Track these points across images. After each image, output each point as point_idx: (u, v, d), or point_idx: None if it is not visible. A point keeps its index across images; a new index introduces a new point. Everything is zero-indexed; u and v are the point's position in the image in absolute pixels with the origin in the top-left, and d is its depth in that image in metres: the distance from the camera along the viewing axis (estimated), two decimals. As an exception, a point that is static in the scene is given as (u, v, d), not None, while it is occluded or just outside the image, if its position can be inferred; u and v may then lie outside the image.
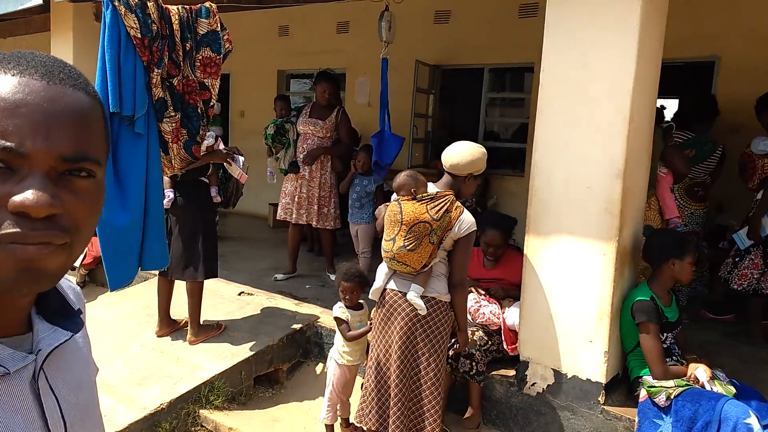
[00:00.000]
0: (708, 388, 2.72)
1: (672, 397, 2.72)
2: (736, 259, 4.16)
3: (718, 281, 4.34)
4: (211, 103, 3.60)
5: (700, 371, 2.78)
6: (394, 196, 2.91)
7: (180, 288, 4.04)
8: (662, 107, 5.38)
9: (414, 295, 2.74)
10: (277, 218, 5.42)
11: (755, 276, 4.07)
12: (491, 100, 7.35)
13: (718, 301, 4.57)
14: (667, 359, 2.93)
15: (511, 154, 6.98)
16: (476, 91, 6.81)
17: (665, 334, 2.97)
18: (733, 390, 2.76)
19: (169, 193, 3.79)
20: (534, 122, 3.16)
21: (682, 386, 2.75)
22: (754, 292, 4.10)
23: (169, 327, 4.10)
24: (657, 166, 3.61)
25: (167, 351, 3.92)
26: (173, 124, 3.43)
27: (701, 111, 4.41)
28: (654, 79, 3.08)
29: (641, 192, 3.16)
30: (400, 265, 2.75)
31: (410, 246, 2.69)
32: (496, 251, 3.52)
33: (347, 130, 5.20)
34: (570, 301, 3.06)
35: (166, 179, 3.69)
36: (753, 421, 2.48)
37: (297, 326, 4.13)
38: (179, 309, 4.18)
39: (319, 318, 4.25)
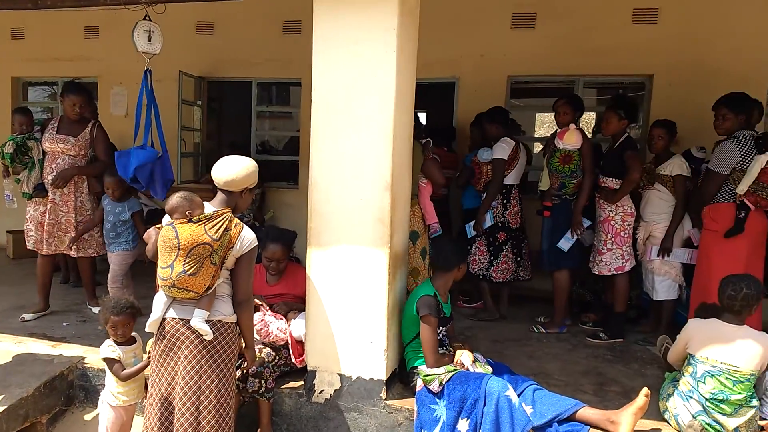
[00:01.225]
0: (472, 370, 3.10)
1: (444, 382, 3.05)
2: (468, 248, 4.86)
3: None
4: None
5: (464, 356, 3.16)
6: (166, 218, 2.75)
7: None
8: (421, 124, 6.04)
9: (199, 321, 2.62)
10: (28, 248, 4.69)
11: (484, 262, 4.84)
12: (262, 113, 7.36)
13: (470, 291, 5.25)
14: (440, 349, 3.26)
15: (285, 167, 7.07)
16: (246, 103, 6.76)
17: (441, 327, 3.31)
18: (490, 369, 3.20)
19: None
20: (306, 136, 3.27)
21: (451, 371, 3.09)
22: (483, 278, 4.87)
23: None
24: (418, 178, 4.00)
25: None
26: None
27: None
28: (411, 98, 3.41)
29: (406, 201, 3.47)
30: (181, 292, 2.60)
31: (191, 270, 2.57)
32: (278, 265, 3.55)
33: (104, 147, 4.69)
34: (351, 308, 3.22)
35: None
36: (511, 393, 2.91)
37: (56, 371, 3.63)
38: None
39: (84, 358, 3.80)
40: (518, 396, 2.99)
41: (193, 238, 2.57)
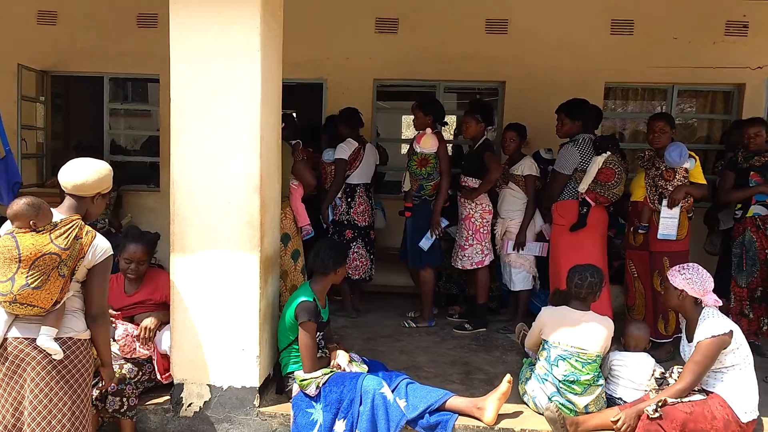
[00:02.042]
0: (348, 370, 3.13)
1: (320, 385, 3.04)
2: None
3: None
4: None
5: (340, 358, 3.18)
6: (5, 227, 2.46)
7: None
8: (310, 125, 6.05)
9: (46, 339, 2.37)
10: None
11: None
12: (115, 110, 6.85)
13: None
14: (317, 353, 3.22)
15: (144, 168, 6.64)
16: (98, 100, 6.25)
17: (318, 332, 3.28)
18: (366, 367, 3.24)
19: None
20: (166, 135, 3.10)
21: (328, 373, 3.09)
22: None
23: None
24: (289, 179, 3.95)
25: None
26: None
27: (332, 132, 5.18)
28: (278, 98, 3.37)
29: (276, 203, 3.41)
30: (24, 308, 2.34)
31: (35, 283, 2.31)
32: (138, 267, 3.28)
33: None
34: (220, 315, 3.11)
35: None
36: (386, 390, 2.98)
37: None
38: None
39: None
40: (392, 391, 3.06)
41: (36, 248, 2.32)
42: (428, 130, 4.57)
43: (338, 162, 4.90)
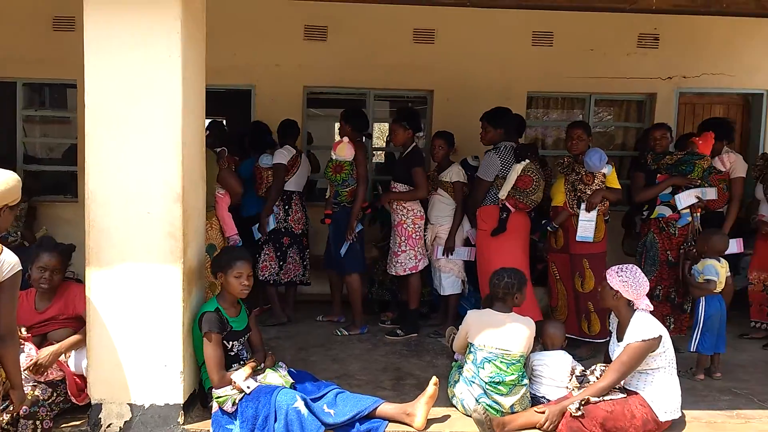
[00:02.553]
0: (244, 388, 2.98)
1: (237, 401, 2.97)
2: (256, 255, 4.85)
3: None
4: None
5: (236, 374, 3.03)
6: None
7: None
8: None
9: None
10: None
11: (274, 267, 4.90)
12: (31, 117, 6.49)
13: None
14: (235, 364, 3.16)
15: (61, 178, 6.32)
16: (10, 107, 5.91)
17: (232, 342, 3.20)
18: (291, 380, 3.18)
19: None
20: (84, 143, 2.97)
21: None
22: (274, 283, 4.95)
23: None
24: (214, 188, 3.87)
25: None
26: None
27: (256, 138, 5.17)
28: (201, 105, 3.29)
29: (200, 213, 3.33)
30: None
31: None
32: (52, 277, 3.10)
33: None
34: (141, 330, 3.00)
35: None
36: (299, 404, 2.93)
37: None
38: None
39: None
40: (321, 399, 3.05)
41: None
42: (345, 139, 4.65)
43: (277, 167, 4.84)
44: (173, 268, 2.97)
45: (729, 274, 4.08)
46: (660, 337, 3.03)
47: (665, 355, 3.08)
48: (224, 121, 9.91)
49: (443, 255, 4.70)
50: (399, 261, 4.69)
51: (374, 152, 6.42)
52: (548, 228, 4.34)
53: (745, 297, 4.87)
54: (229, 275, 3.15)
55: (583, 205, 4.17)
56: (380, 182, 5.70)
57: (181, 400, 3.06)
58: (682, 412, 3.21)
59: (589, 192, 4.17)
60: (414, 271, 4.69)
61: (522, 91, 5.87)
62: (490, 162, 4.36)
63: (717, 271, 3.94)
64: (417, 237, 4.70)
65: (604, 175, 4.22)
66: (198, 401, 3.27)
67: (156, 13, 2.86)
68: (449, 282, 4.78)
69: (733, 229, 4.74)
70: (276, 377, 3.15)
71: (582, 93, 6.05)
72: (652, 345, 3.01)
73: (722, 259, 4.05)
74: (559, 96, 6.20)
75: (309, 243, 5.17)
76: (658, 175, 4.46)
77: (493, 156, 4.37)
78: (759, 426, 3.26)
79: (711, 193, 4.42)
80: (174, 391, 3.05)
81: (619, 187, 4.32)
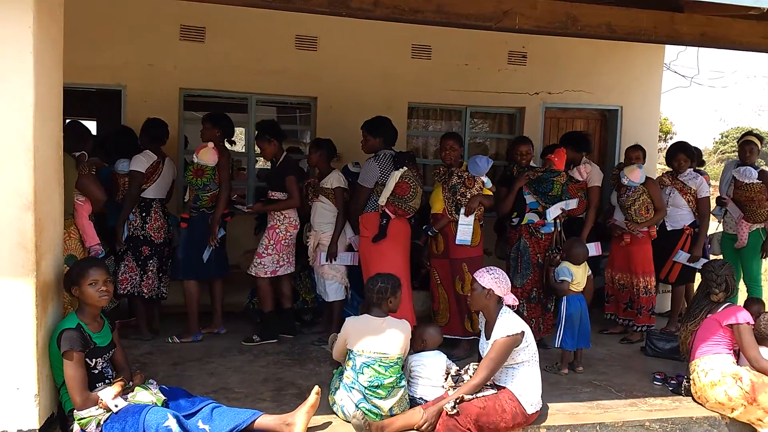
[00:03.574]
0: (112, 407, 2.82)
1: (102, 422, 2.78)
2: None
3: None
4: None
5: (103, 392, 2.86)
6: None
7: None
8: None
9: None
10: None
11: (135, 278, 4.66)
12: None
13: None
14: (100, 384, 2.96)
15: None
16: None
17: (95, 360, 2.98)
18: (163, 397, 3.02)
19: None
20: None
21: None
22: (137, 295, 4.68)
23: None
24: (73, 195, 3.59)
25: None
26: None
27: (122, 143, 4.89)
28: (58, 106, 3.04)
29: (57, 222, 3.07)
30: None
31: None
32: None
33: None
34: (-13, 352, 2.71)
35: None
36: (171, 422, 2.78)
37: None
38: None
39: None
40: (195, 415, 2.92)
41: None
42: (210, 144, 4.55)
43: (133, 174, 4.58)
44: (24, 283, 2.72)
45: (590, 273, 4.44)
46: (523, 332, 3.24)
47: (528, 350, 3.29)
48: (95, 123, 9.30)
49: (327, 261, 4.70)
50: (262, 263, 4.64)
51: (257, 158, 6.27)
52: (429, 233, 4.50)
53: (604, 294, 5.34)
54: (83, 285, 2.95)
55: (462, 210, 4.35)
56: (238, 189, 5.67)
57: (36, 426, 2.82)
58: (545, 404, 3.45)
59: (468, 195, 4.36)
60: (273, 275, 4.67)
61: (403, 101, 6.03)
62: (369, 169, 4.45)
63: (571, 272, 4.27)
64: (286, 244, 4.69)
65: (483, 182, 4.44)
66: (57, 425, 3.02)
67: (4, 6, 2.62)
68: (332, 288, 4.78)
69: (592, 233, 5.19)
70: (147, 395, 2.97)
71: (458, 105, 6.31)
72: (516, 340, 3.20)
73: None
74: (437, 107, 6.43)
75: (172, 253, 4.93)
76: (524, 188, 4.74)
77: (373, 163, 4.46)
78: (616, 415, 3.55)
79: (573, 203, 4.83)
80: (28, 415, 2.80)
81: (491, 194, 4.57)
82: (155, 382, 3.14)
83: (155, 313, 4.93)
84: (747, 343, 3.60)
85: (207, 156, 4.51)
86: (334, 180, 4.70)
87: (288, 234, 4.68)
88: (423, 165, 6.31)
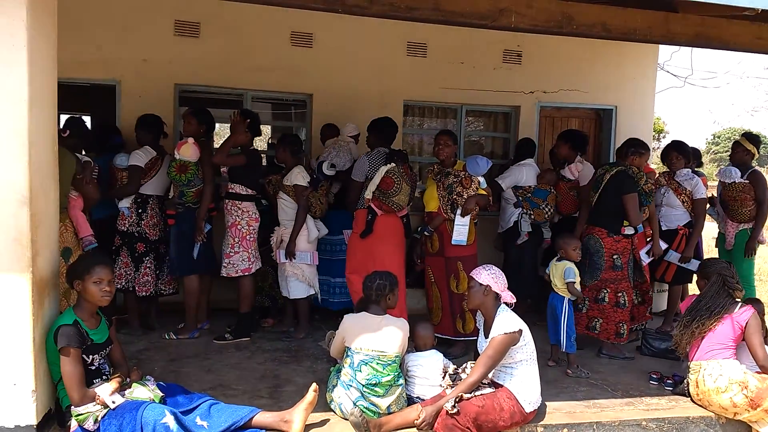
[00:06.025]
0: (109, 403, 2.81)
1: (99, 418, 2.76)
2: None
3: None
4: None
5: (100, 388, 2.84)
6: None
7: None
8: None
9: None
10: None
11: (130, 274, 4.65)
12: None
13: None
14: (97, 380, 2.95)
15: None
16: None
17: (92, 357, 2.97)
18: (160, 393, 3.00)
19: None
20: None
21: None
22: (131, 290, 4.68)
23: None
24: (68, 189, 3.57)
25: None
26: None
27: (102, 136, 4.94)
28: (53, 100, 3.02)
29: (53, 216, 3.05)
30: None
31: None
32: None
33: None
34: (-16, 348, 2.69)
35: None
36: (168, 419, 2.77)
37: None
38: None
39: None
40: (193, 411, 2.91)
41: None
42: (190, 140, 4.50)
43: (133, 169, 4.57)
44: (20, 278, 2.70)
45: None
46: (520, 330, 3.24)
47: (526, 348, 3.29)
48: (89, 118, 9.21)
49: (286, 259, 4.67)
50: (231, 262, 4.61)
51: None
52: (425, 232, 4.49)
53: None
54: (87, 282, 2.92)
55: (458, 210, 4.35)
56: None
57: (34, 421, 2.80)
58: (543, 403, 3.46)
59: (465, 195, 4.36)
60: (246, 273, 4.64)
61: (398, 99, 6.02)
62: (360, 164, 4.55)
63: (575, 272, 4.26)
64: (251, 239, 4.66)
65: (479, 182, 4.44)
66: (54, 421, 3.00)
67: (-2, 0, 2.60)
68: (294, 286, 4.74)
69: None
70: (144, 391, 2.95)
71: (454, 103, 6.32)
72: (513, 338, 3.20)
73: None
74: (433, 105, 6.42)
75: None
76: None
77: (364, 158, 4.55)
78: (613, 414, 3.56)
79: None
80: (26, 411, 2.79)
81: (485, 193, 4.56)
82: (152, 379, 3.12)
83: (151, 309, 4.91)
84: (758, 343, 3.57)
85: (188, 152, 4.45)
86: (294, 177, 4.62)
87: (251, 228, 4.64)
88: (418, 163, 6.32)
